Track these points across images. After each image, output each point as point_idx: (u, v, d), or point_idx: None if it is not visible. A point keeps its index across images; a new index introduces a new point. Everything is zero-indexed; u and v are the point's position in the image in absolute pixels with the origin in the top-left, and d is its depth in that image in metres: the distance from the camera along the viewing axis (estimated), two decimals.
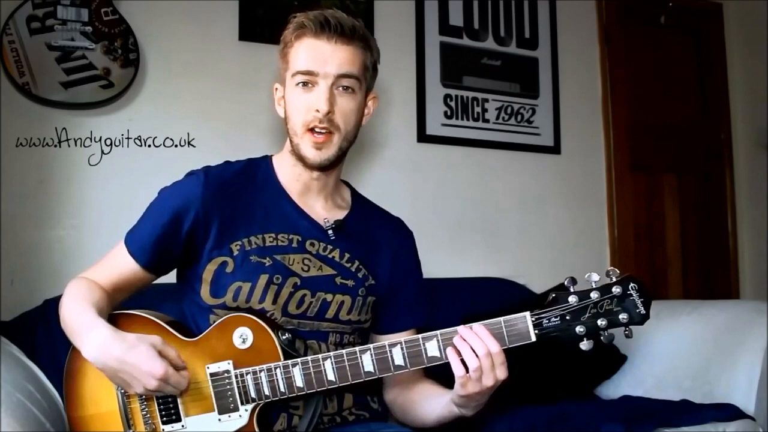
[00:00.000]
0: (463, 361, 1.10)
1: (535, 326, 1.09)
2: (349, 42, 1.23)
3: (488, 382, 1.09)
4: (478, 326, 1.11)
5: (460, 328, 1.11)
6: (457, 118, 2.42)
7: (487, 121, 2.47)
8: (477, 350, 1.08)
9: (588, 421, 1.61)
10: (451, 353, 1.11)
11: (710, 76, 3.03)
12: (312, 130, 1.22)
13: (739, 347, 1.77)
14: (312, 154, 1.23)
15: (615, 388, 1.98)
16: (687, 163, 2.95)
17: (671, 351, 1.90)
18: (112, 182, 1.91)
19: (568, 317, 1.09)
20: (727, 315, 1.88)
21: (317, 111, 1.21)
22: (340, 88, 1.23)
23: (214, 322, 1.21)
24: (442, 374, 1.26)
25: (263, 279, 1.22)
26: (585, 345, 1.09)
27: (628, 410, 1.70)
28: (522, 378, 1.39)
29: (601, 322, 1.08)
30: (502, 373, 1.10)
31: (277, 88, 1.32)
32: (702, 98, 3.02)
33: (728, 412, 1.65)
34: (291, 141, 1.27)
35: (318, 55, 1.21)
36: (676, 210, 2.92)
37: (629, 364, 1.97)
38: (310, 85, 1.22)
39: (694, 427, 1.60)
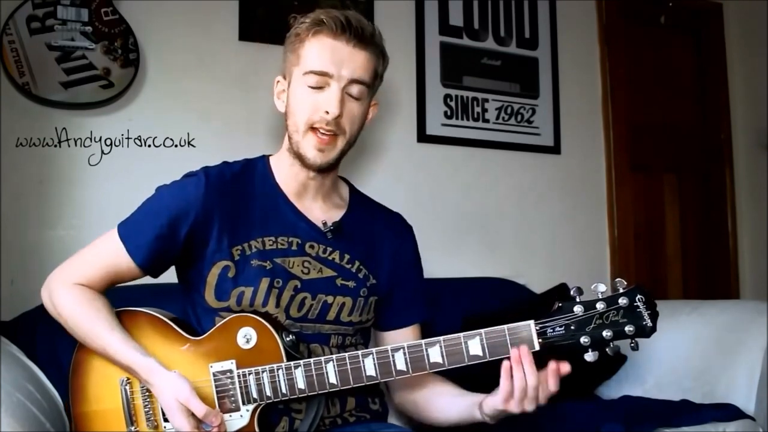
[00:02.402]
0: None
1: (539, 335, 1.08)
2: (366, 47, 1.21)
3: (529, 407, 1.09)
4: (552, 364, 1.08)
5: (523, 351, 1.08)
6: (457, 118, 2.42)
7: (487, 121, 2.47)
8: (529, 381, 1.07)
9: (588, 421, 1.61)
10: (505, 369, 1.08)
11: (710, 76, 3.02)
12: (315, 129, 1.20)
13: (739, 347, 1.77)
14: (313, 155, 1.22)
15: (615, 388, 1.98)
16: (687, 163, 2.96)
17: (671, 351, 1.90)
18: (112, 182, 1.90)
19: (572, 327, 1.08)
20: (727, 315, 1.88)
21: (326, 112, 1.19)
22: (351, 94, 1.21)
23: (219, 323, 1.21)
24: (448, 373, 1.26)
25: (264, 283, 1.22)
26: (590, 356, 1.08)
27: (628, 410, 1.70)
28: None
29: (607, 334, 1.07)
30: (544, 401, 1.10)
31: (278, 81, 1.29)
32: (702, 98, 3.02)
33: (728, 412, 1.65)
34: (290, 138, 1.25)
35: (335, 56, 1.19)
36: (676, 210, 2.92)
37: (629, 364, 1.97)
38: (321, 85, 1.20)
39: (694, 427, 1.60)
